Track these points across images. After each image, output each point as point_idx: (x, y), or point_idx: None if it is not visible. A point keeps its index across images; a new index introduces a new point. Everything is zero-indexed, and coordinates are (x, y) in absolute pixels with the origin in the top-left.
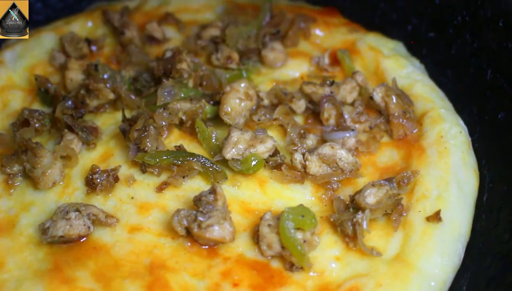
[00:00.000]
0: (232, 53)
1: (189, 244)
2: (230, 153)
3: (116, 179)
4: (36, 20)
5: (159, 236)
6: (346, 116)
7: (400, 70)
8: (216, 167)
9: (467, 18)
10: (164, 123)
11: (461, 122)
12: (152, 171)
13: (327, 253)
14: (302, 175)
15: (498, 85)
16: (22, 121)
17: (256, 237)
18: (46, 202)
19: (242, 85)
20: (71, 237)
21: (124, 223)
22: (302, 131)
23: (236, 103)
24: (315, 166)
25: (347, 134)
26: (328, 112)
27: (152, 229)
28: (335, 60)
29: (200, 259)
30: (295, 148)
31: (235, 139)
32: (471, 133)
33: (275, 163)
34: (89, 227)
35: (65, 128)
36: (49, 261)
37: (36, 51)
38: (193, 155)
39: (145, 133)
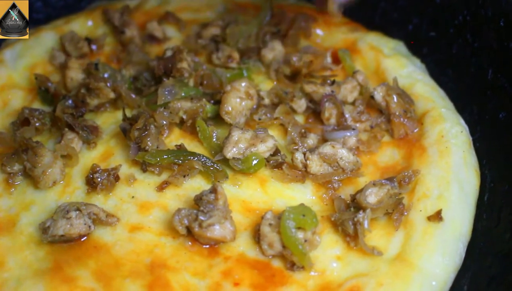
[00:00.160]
0: (233, 52)
1: (189, 243)
2: (231, 152)
3: (117, 178)
4: (36, 19)
5: (159, 235)
6: (347, 115)
7: (400, 69)
8: (217, 166)
9: (468, 17)
10: (164, 122)
11: (462, 121)
12: (152, 170)
13: (328, 252)
14: (303, 174)
15: (499, 85)
16: (23, 120)
17: (257, 236)
18: (47, 201)
19: (243, 84)
20: (72, 236)
21: (125, 222)
22: (303, 130)
23: (236, 103)
24: (316, 165)
25: (348, 134)
26: (329, 112)
27: (153, 228)
28: (335, 60)
29: (201, 258)
30: (296, 147)
31: (236, 139)
32: (472, 132)
33: (276, 162)
34: (89, 226)
35: (66, 128)
36: (50, 260)
37: (36, 50)
38: (194, 154)
39: (146, 132)
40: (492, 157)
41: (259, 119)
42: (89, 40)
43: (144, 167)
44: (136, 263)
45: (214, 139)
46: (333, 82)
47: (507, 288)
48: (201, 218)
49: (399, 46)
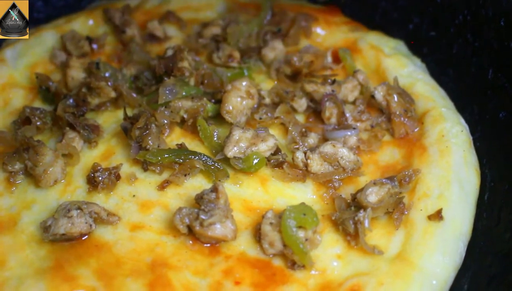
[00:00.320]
0: (233, 52)
1: (190, 242)
2: (232, 151)
3: (118, 177)
4: (37, 18)
5: (160, 234)
6: (347, 115)
7: (401, 69)
8: (218, 165)
9: (468, 17)
10: (165, 121)
11: (463, 121)
12: (153, 169)
13: (329, 251)
14: (304, 173)
15: (499, 84)
16: (24, 119)
17: (257, 235)
18: (48, 200)
19: (244, 83)
20: (73, 235)
21: (126, 221)
22: (303, 129)
23: (237, 102)
24: (316, 165)
25: (349, 133)
26: (330, 111)
27: (154, 227)
28: (336, 59)
29: (202, 257)
30: (297, 146)
31: (237, 138)
32: (472, 132)
33: (276, 161)
34: (90, 225)
35: (67, 127)
36: (51, 259)
37: (37, 50)
38: (194, 153)
39: (147, 131)
40: (492, 156)
41: (260, 118)
42: (90, 39)
43: (145, 166)
44: (137, 262)
45: (215, 139)
46: (333, 82)
47: (507, 288)
48: (202, 217)
49: (400, 45)
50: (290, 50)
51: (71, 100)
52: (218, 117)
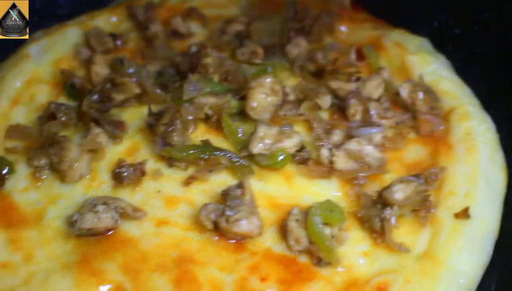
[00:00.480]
0: (257, 48)
1: (216, 238)
2: (257, 147)
3: (143, 173)
4: (61, 14)
5: (186, 230)
6: (372, 112)
7: (425, 66)
8: (243, 161)
9: (494, 14)
10: (190, 117)
11: (489, 119)
12: (179, 165)
13: (355, 248)
14: (329, 170)
15: None
16: (49, 114)
17: (283, 232)
18: (73, 195)
19: (268, 80)
20: (99, 230)
21: (151, 217)
22: (328, 126)
23: (262, 99)
24: (341, 162)
25: (373, 130)
26: (354, 108)
27: (179, 222)
28: (360, 56)
29: (227, 253)
30: (321, 143)
31: (262, 134)
32: (499, 130)
33: (301, 158)
34: (116, 220)
35: (92, 122)
36: (77, 254)
37: (61, 46)
38: (220, 150)
39: (172, 127)
40: None
41: (284, 115)
42: (113, 36)
43: (170, 162)
44: (163, 257)
45: (240, 135)
46: (358, 79)
47: None
48: (228, 213)
49: (424, 43)
50: (314, 47)
51: (95, 96)
52: (242, 114)
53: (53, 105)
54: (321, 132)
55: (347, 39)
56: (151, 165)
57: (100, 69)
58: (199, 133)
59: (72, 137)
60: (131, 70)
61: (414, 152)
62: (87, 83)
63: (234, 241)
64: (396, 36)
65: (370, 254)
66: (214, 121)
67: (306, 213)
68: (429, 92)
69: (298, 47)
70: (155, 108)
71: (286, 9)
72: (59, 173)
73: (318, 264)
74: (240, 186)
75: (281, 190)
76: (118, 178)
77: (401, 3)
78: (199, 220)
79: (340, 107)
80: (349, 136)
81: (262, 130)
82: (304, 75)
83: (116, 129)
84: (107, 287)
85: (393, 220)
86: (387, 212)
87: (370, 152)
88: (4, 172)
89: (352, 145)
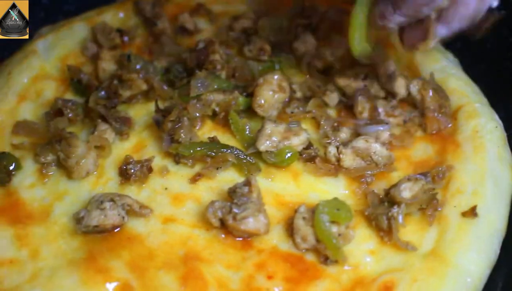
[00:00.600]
0: (265, 45)
1: (223, 235)
2: (264, 145)
3: (150, 170)
4: (68, 10)
5: (193, 227)
6: (379, 109)
7: (434, 64)
8: (250, 158)
9: (503, 11)
10: (197, 114)
11: (497, 117)
12: (185, 162)
13: (362, 247)
14: (336, 168)
15: None
16: (56, 111)
17: (290, 229)
18: (80, 192)
19: (275, 77)
20: (106, 227)
21: (158, 214)
22: (335, 124)
23: (269, 96)
24: (349, 159)
25: (381, 128)
26: (362, 106)
27: (186, 220)
28: None
29: (234, 251)
30: (329, 141)
31: (269, 132)
32: (507, 128)
33: (308, 155)
34: (123, 217)
35: (98, 119)
36: (84, 251)
37: (68, 41)
38: (227, 147)
39: (179, 124)
40: None
41: (292, 112)
42: (121, 32)
43: (177, 158)
44: (169, 254)
45: (247, 132)
46: (366, 76)
47: None
48: (235, 210)
49: None
50: (321, 44)
51: (102, 93)
52: (249, 111)
53: (60, 101)
54: (329, 130)
55: None
56: (158, 161)
57: (107, 65)
58: (206, 130)
59: (79, 134)
60: (138, 66)
61: (421, 150)
62: (94, 79)
63: (241, 238)
64: None
65: (377, 252)
66: (221, 118)
67: (313, 211)
68: (439, 90)
69: (306, 44)
70: (162, 104)
71: (293, 5)
72: (66, 169)
73: (324, 262)
74: (247, 183)
75: (288, 188)
76: (125, 174)
77: None
78: (206, 218)
79: (347, 105)
80: (356, 134)
81: (269, 128)
82: (311, 72)
83: (123, 126)
84: (113, 284)
85: (400, 218)
86: (394, 210)
87: (377, 149)
88: (11, 168)
89: (360, 143)
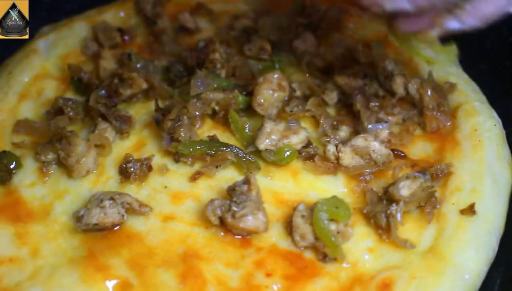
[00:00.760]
0: (265, 44)
1: (222, 233)
2: (263, 143)
3: (150, 168)
4: (69, 9)
5: (192, 225)
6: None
7: (433, 63)
8: (249, 157)
9: None
10: (197, 113)
11: (496, 115)
12: (185, 160)
13: (360, 244)
14: (335, 166)
15: None
16: (56, 109)
17: (289, 227)
18: (80, 190)
19: (275, 76)
20: (105, 225)
21: (158, 212)
22: (334, 122)
23: (269, 94)
24: (348, 158)
25: (380, 127)
26: (361, 104)
27: (185, 218)
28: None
29: (233, 249)
30: (328, 139)
31: (269, 130)
32: (505, 126)
33: (308, 154)
34: (123, 215)
35: (99, 117)
36: (84, 249)
37: (69, 40)
38: (226, 145)
39: (179, 123)
40: None
41: (291, 111)
42: (121, 31)
43: (176, 157)
44: (169, 252)
45: (247, 131)
46: (365, 75)
47: None
48: (234, 208)
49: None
50: (322, 43)
51: (103, 91)
52: (249, 110)
53: (60, 100)
54: (328, 128)
55: (355, 35)
56: (158, 160)
57: (108, 64)
58: (206, 129)
59: (79, 132)
60: (138, 65)
61: (420, 148)
62: (95, 78)
63: (240, 236)
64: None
65: (375, 250)
66: (221, 117)
67: (312, 209)
68: (438, 88)
69: (306, 43)
70: (162, 103)
71: (294, 4)
72: (66, 168)
73: (323, 260)
74: (246, 181)
75: (287, 186)
76: (124, 173)
77: None
78: (205, 216)
79: (346, 104)
80: (355, 133)
81: (269, 126)
82: (311, 71)
83: (123, 125)
84: (113, 282)
85: (398, 216)
86: (393, 208)
87: (376, 148)
88: (12, 166)
89: (359, 141)
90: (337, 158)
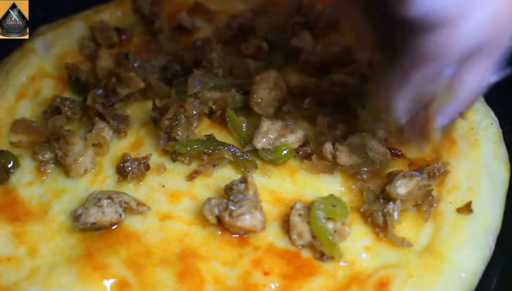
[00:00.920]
0: (262, 43)
1: (219, 232)
2: (261, 142)
3: (147, 167)
4: (66, 8)
5: (189, 224)
6: None
7: None
8: (247, 156)
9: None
10: (194, 112)
11: (492, 114)
12: (182, 159)
13: (357, 243)
14: (332, 165)
15: None
16: (54, 109)
17: (286, 226)
18: (78, 189)
19: (272, 75)
20: (103, 224)
21: (155, 211)
22: (331, 121)
23: (266, 93)
24: (345, 156)
25: (377, 125)
26: (358, 103)
27: (183, 217)
28: None
29: (230, 248)
30: (325, 138)
31: (266, 129)
32: (502, 125)
33: (305, 153)
34: (120, 215)
35: (96, 117)
36: (81, 248)
37: (66, 40)
38: (223, 144)
39: (176, 122)
40: None
41: (288, 110)
42: (118, 30)
43: (174, 156)
44: (166, 251)
45: (244, 130)
46: (362, 74)
47: None
48: (232, 207)
49: None
50: (319, 42)
51: (100, 91)
52: (246, 109)
53: (58, 99)
54: (325, 127)
55: (352, 35)
56: (155, 159)
57: (105, 64)
58: (203, 128)
59: (76, 132)
60: (136, 65)
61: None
62: (92, 78)
63: (237, 235)
64: None
65: (372, 248)
66: (218, 116)
67: (309, 208)
68: None
69: (303, 42)
70: (159, 102)
71: (291, 3)
72: (64, 167)
73: (320, 259)
74: (243, 180)
75: (284, 185)
76: (122, 172)
77: None
78: (203, 215)
79: (343, 103)
80: (352, 131)
81: (266, 125)
82: (308, 70)
83: (121, 124)
84: (111, 281)
85: (395, 215)
86: (390, 206)
87: (373, 146)
88: (9, 166)
89: (356, 140)
90: (334, 157)
